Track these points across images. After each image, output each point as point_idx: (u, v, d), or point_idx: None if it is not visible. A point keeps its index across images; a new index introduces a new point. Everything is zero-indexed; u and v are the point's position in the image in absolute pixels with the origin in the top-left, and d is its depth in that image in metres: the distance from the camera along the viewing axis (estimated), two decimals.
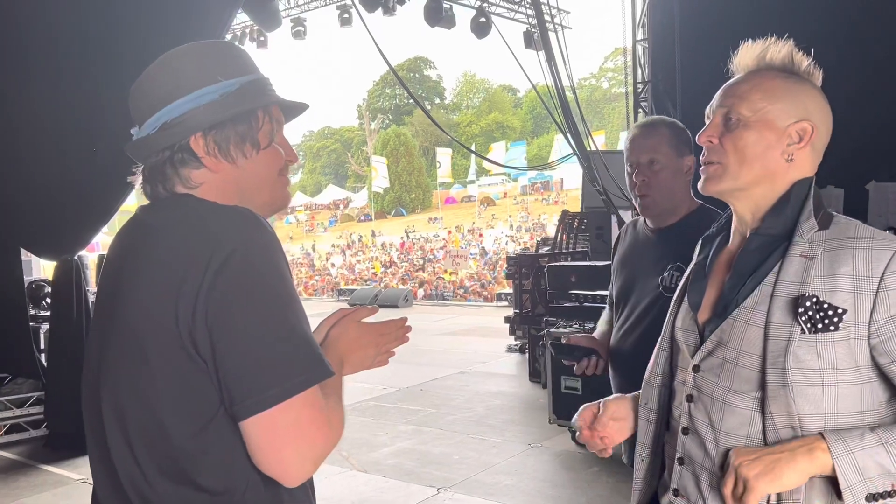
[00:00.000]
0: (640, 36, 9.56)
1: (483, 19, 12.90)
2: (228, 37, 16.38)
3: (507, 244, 29.81)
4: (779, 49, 1.31)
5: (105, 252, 1.32)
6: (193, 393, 1.00)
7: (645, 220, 2.31)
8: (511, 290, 14.77)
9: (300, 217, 49.16)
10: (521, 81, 74.62)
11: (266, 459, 0.99)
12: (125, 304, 1.05)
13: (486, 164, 40.63)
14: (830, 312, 1.18)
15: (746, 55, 1.34)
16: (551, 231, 23.90)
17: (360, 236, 37.86)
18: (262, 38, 16.10)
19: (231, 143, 1.13)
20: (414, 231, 37.41)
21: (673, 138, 2.18)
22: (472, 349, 11.09)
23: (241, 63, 1.17)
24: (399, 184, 47.97)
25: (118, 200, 5.96)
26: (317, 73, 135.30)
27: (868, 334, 1.18)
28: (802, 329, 1.19)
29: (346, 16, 14.70)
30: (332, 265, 31.63)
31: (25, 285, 8.99)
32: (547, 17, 9.11)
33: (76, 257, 6.11)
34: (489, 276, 23.68)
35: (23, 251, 6.27)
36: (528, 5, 13.98)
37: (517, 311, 9.98)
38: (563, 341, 2.37)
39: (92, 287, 10.15)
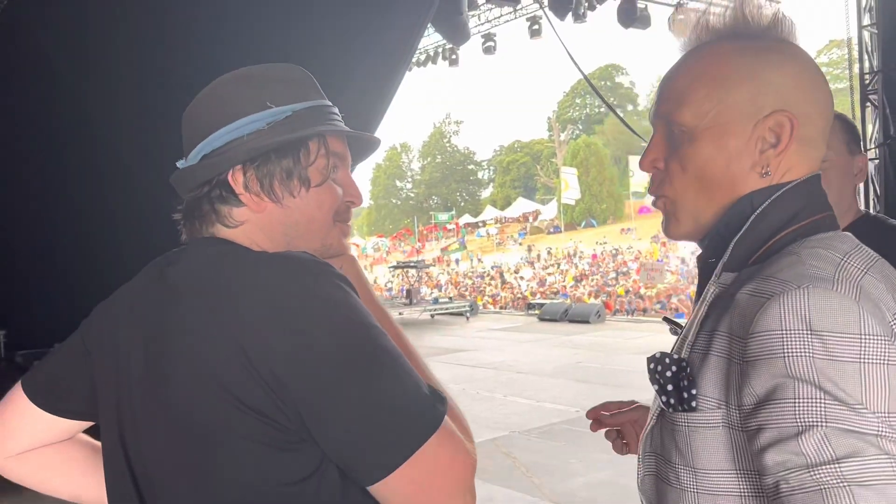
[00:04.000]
0: (866, 21, 8.70)
1: (682, 17, 12.14)
2: (422, 57, 17.10)
3: None
4: (724, 7, 0.91)
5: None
6: (277, 458, 0.84)
7: None
8: None
9: (490, 230, 49.96)
10: None
11: None
12: (168, 377, 0.89)
13: None
14: (686, 383, 0.82)
15: (683, 25, 0.96)
16: None
17: (550, 248, 37.54)
18: (453, 57, 16.58)
19: (276, 179, 0.96)
20: (606, 242, 36.42)
21: (845, 133, 1.80)
22: None
23: (297, 87, 1.01)
24: (590, 194, 47.11)
25: None
26: (507, 87, 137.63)
27: (740, 423, 0.78)
28: (660, 405, 0.87)
29: (536, 27, 14.74)
30: (522, 278, 31.61)
31: None
32: None
33: None
34: (692, 290, 22.31)
35: None
36: None
37: None
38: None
39: None
